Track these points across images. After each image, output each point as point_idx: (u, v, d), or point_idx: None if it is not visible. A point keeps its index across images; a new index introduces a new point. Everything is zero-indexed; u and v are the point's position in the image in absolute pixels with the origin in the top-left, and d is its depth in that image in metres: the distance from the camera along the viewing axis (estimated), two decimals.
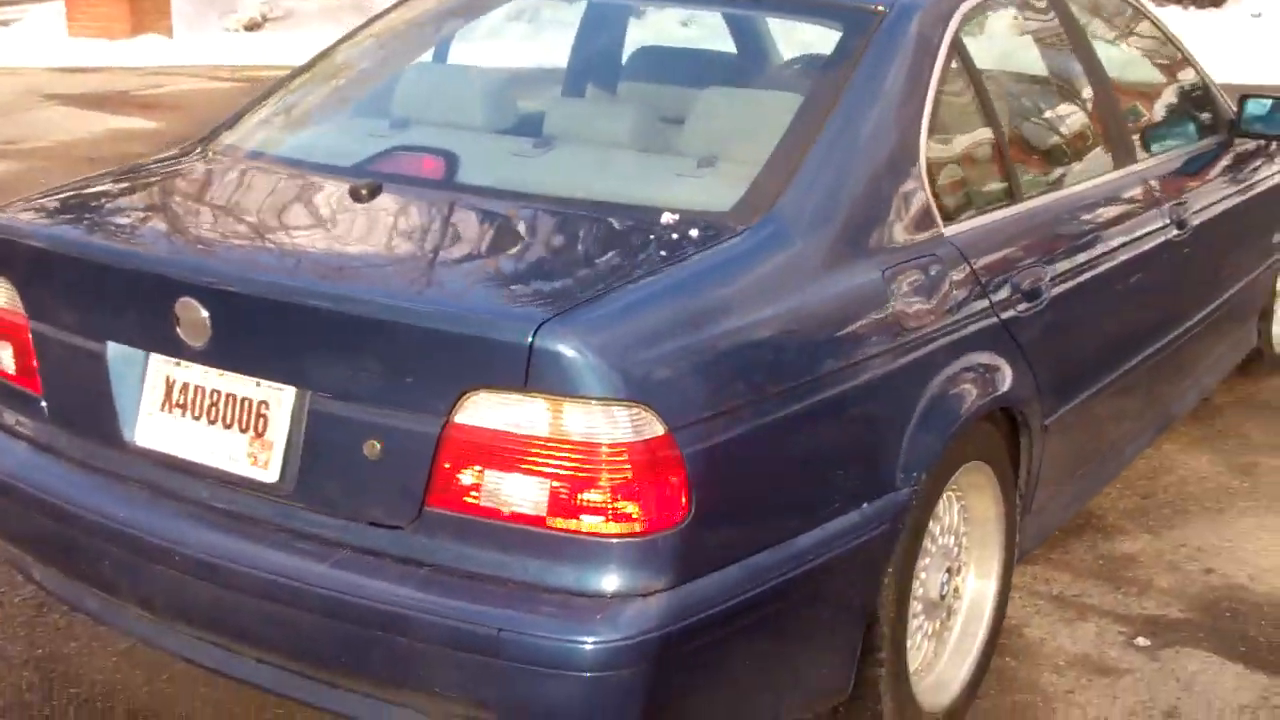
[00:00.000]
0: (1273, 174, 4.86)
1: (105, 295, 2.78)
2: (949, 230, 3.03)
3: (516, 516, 2.38)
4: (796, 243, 2.69)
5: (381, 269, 2.75)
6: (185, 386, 2.69)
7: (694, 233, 2.67)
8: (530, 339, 2.30)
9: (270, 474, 2.58)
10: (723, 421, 2.42)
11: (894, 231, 2.90)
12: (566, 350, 2.30)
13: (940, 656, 3.17)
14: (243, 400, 2.61)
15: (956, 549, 3.15)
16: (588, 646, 2.31)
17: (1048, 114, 3.93)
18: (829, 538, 2.62)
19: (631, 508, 2.33)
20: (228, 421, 2.63)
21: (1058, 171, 3.72)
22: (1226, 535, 4.15)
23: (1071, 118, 3.95)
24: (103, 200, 3.20)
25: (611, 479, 2.33)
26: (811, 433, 2.62)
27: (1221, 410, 5.09)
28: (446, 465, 2.41)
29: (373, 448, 2.45)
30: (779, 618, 2.57)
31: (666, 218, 2.73)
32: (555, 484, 2.35)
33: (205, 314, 2.58)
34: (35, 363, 2.88)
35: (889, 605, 2.78)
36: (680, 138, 3.21)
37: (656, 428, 2.32)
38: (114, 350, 2.75)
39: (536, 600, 2.36)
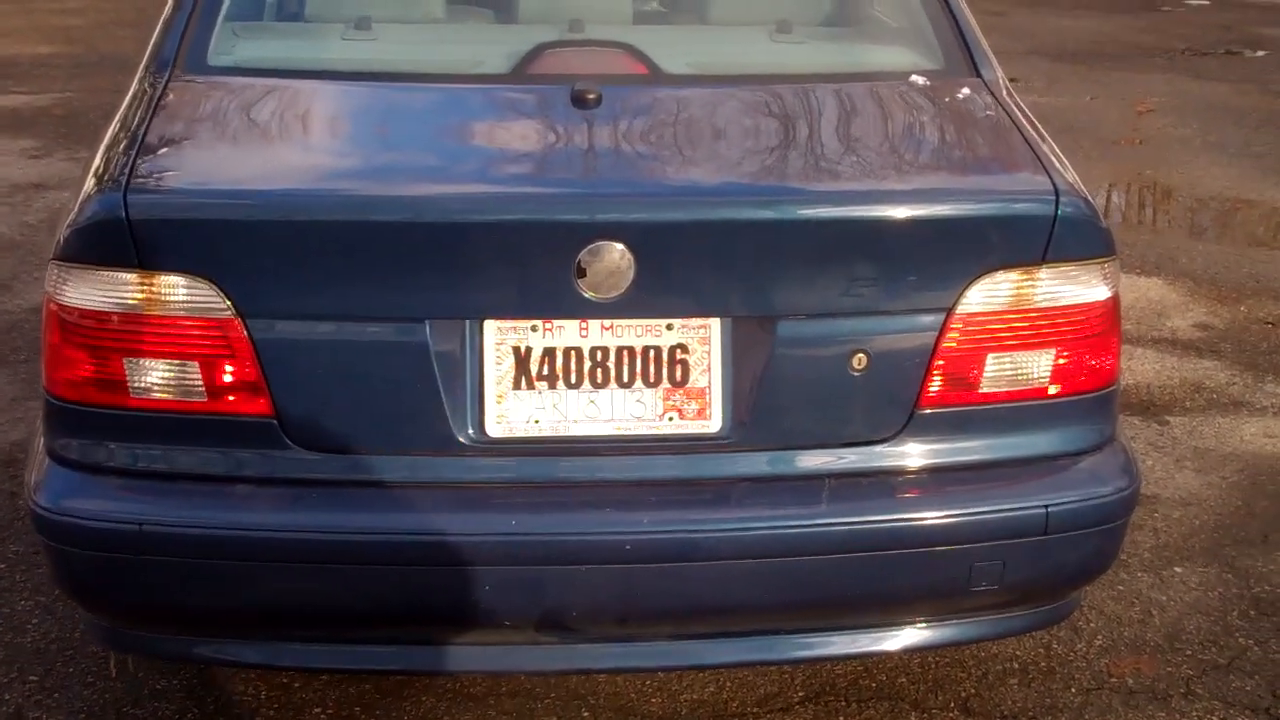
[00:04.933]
0: None
1: (427, 263, 2.26)
2: None
3: (1016, 394, 2.37)
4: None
5: (827, 171, 2.51)
6: (550, 353, 2.30)
7: (968, 91, 2.73)
8: (1054, 209, 2.31)
9: (710, 423, 2.33)
10: None
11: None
12: (1083, 215, 2.34)
13: None
14: (645, 350, 2.32)
15: None
16: (1127, 494, 2.44)
17: None
18: None
19: (1110, 361, 2.43)
20: (624, 379, 2.32)
21: None
22: None
23: None
24: (266, 152, 2.55)
25: (1106, 336, 2.41)
26: None
27: None
28: (946, 361, 2.33)
29: (859, 362, 2.31)
30: None
31: (919, 79, 2.77)
32: (1059, 351, 2.37)
33: (630, 258, 2.23)
34: (260, 376, 2.27)
35: None
36: (779, 7, 3.15)
37: (1114, 281, 2.42)
38: (435, 330, 2.28)
39: (1057, 470, 2.41)
